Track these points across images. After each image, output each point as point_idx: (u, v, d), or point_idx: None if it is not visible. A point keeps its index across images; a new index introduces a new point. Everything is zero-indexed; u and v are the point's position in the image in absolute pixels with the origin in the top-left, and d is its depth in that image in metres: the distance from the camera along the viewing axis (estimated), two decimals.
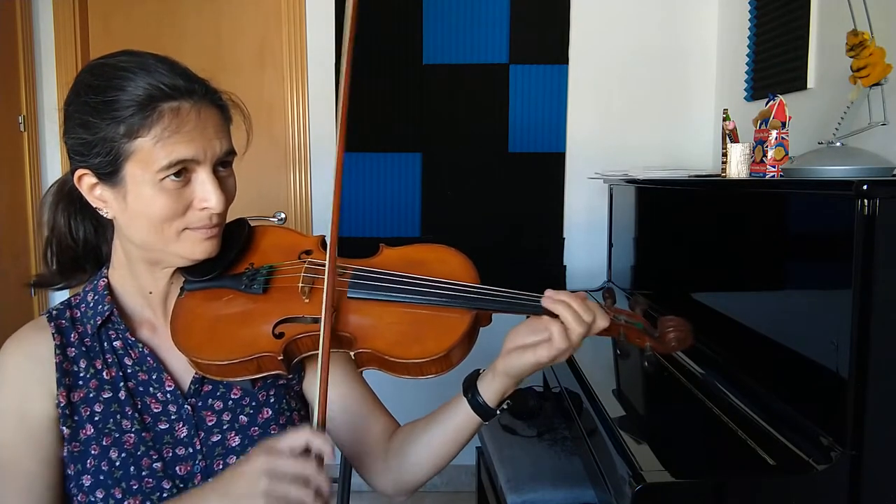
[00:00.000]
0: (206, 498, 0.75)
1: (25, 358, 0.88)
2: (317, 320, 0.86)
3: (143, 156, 0.81)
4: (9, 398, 0.86)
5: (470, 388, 0.90)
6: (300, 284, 0.88)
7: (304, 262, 0.91)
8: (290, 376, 0.96)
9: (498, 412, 0.89)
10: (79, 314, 0.92)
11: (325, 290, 0.81)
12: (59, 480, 0.86)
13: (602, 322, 0.83)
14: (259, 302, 0.89)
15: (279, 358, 0.84)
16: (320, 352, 0.79)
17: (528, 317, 0.87)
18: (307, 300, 0.87)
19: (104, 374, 0.89)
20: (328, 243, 0.89)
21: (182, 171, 0.82)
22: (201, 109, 0.83)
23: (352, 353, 0.86)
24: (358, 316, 0.87)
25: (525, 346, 0.83)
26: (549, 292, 0.84)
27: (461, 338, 0.84)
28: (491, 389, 0.88)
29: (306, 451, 0.73)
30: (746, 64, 2.35)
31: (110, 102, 0.80)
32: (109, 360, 0.90)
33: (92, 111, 0.81)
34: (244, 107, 0.93)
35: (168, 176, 0.81)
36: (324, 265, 0.89)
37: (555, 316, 0.82)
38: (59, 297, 2.24)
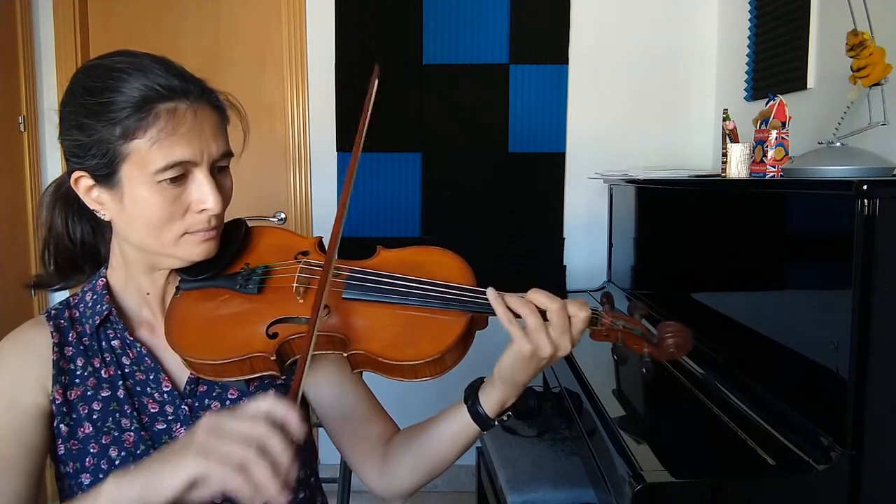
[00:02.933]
0: (150, 459, 0.69)
1: (22, 349, 0.88)
2: None
3: (139, 157, 0.80)
4: (1, 384, 0.86)
5: (471, 395, 0.89)
6: (295, 285, 0.87)
7: (300, 262, 0.91)
8: (285, 377, 0.96)
9: (496, 423, 0.88)
10: (77, 314, 0.92)
11: (327, 254, 0.79)
12: (39, 472, 0.85)
13: (584, 313, 0.81)
14: (254, 302, 0.89)
15: (272, 358, 0.84)
16: (311, 320, 0.77)
17: None
18: (302, 301, 0.87)
19: (102, 372, 0.89)
20: (325, 245, 0.89)
21: (179, 174, 0.82)
22: (198, 110, 0.83)
23: (345, 355, 0.85)
24: (353, 317, 0.86)
25: (509, 346, 0.82)
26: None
27: (456, 341, 0.83)
28: (490, 398, 0.87)
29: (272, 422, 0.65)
30: (746, 64, 2.35)
31: (106, 104, 0.80)
32: (108, 359, 0.90)
33: (87, 113, 0.81)
34: (241, 107, 0.93)
35: (165, 178, 0.81)
36: (319, 266, 0.88)
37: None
38: (59, 297, 2.24)
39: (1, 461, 0.83)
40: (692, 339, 0.83)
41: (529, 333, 0.79)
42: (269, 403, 0.66)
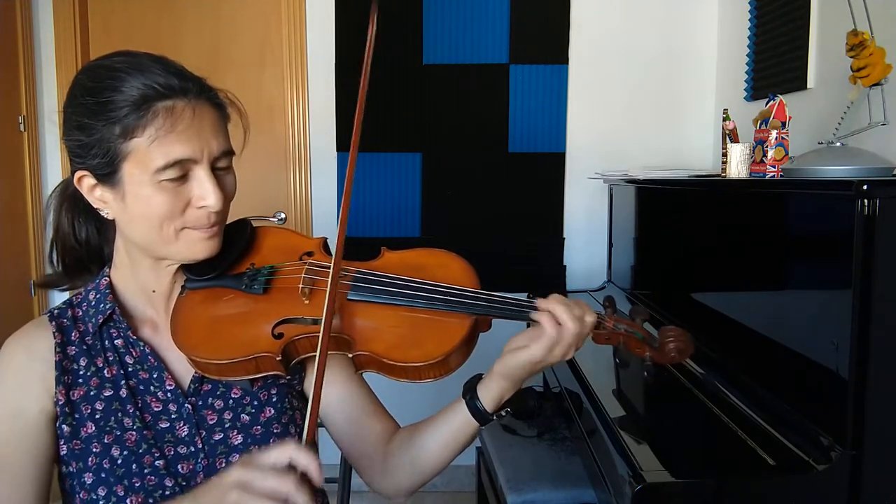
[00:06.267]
0: None
1: (25, 354, 0.88)
2: (316, 321, 0.86)
3: (139, 156, 0.81)
4: (6, 394, 0.86)
5: (469, 391, 0.90)
6: (300, 286, 0.88)
7: (305, 263, 0.92)
8: (290, 376, 0.96)
9: (495, 418, 0.89)
10: (80, 313, 0.93)
11: (324, 315, 0.80)
12: (47, 478, 0.86)
13: (590, 318, 0.83)
14: (259, 302, 0.89)
15: (277, 358, 0.84)
16: (316, 365, 0.77)
17: (528, 325, 0.87)
18: (307, 301, 0.88)
19: (105, 372, 0.89)
20: (331, 246, 0.89)
21: (180, 174, 0.82)
22: (196, 108, 0.83)
23: (350, 356, 0.86)
24: (358, 318, 0.87)
25: (521, 347, 0.84)
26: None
27: (460, 343, 0.84)
28: (489, 393, 0.88)
29: (292, 469, 0.69)
30: (746, 64, 2.35)
31: (105, 103, 0.81)
32: (110, 359, 0.90)
33: (88, 113, 0.82)
34: (241, 104, 0.93)
35: (166, 178, 0.82)
36: (325, 267, 0.89)
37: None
38: (60, 296, 2.24)
39: (9, 470, 0.84)
40: (693, 343, 0.84)
41: (547, 342, 0.82)
42: (292, 452, 0.69)
